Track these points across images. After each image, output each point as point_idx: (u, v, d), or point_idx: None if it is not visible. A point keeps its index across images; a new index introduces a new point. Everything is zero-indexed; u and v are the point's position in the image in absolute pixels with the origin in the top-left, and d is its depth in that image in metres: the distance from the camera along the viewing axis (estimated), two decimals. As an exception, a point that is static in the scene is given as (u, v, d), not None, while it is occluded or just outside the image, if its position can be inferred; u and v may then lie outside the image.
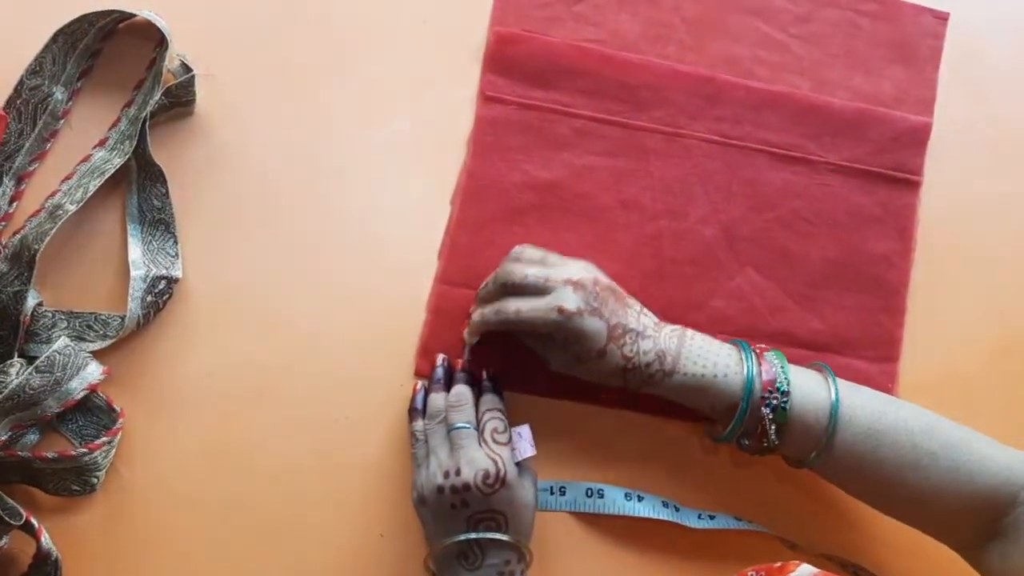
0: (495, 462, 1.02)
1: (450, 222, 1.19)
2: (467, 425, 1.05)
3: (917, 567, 1.15)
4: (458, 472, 1.01)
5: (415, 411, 1.11)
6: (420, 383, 1.13)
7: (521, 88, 1.21)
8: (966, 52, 1.29)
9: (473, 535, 1.01)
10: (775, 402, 1.03)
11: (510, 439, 1.06)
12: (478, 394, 1.11)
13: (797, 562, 0.92)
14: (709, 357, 1.07)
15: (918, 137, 1.25)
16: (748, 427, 1.06)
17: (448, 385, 1.11)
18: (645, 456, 1.16)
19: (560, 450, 1.15)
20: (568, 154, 1.21)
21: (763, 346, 1.09)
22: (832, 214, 1.22)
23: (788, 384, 1.04)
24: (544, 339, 1.09)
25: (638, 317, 1.08)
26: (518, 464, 1.05)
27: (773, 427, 1.03)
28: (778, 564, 0.94)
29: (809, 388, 1.05)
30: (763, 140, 1.23)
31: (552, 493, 1.14)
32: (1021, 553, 1.00)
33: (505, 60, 1.21)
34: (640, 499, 1.13)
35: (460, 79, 1.22)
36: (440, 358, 1.13)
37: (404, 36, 1.22)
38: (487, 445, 1.04)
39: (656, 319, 1.10)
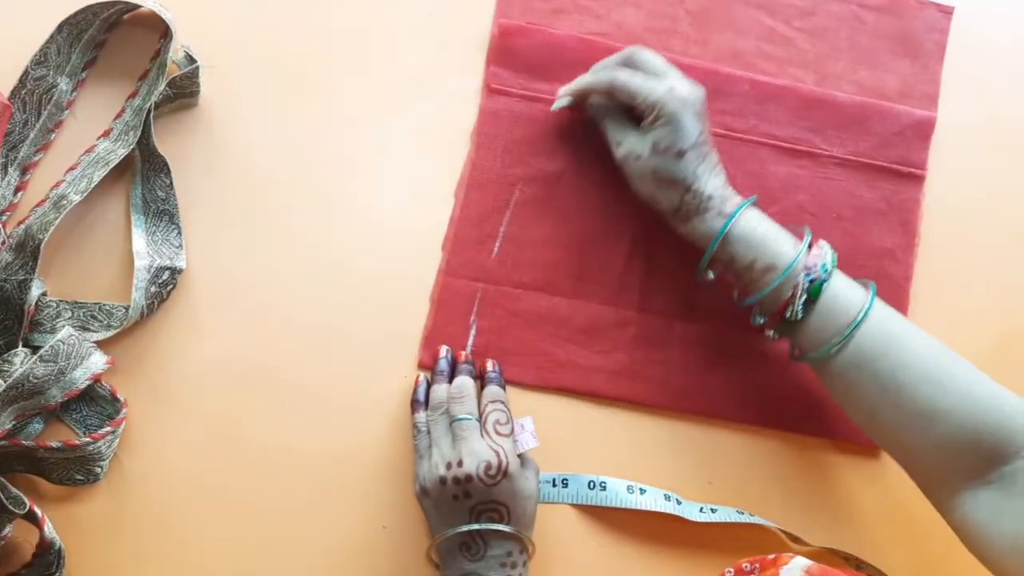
0: (497, 453, 1.02)
1: (454, 214, 1.19)
2: (469, 416, 1.05)
3: (919, 562, 1.15)
4: (460, 463, 1.01)
5: (417, 403, 1.11)
6: (422, 375, 1.13)
7: (525, 80, 1.21)
8: (970, 46, 1.28)
9: (475, 526, 1.01)
10: (815, 275, 1.04)
11: (512, 430, 1.06)
12: (481, 386, 1.11)
13: (791, 554, 0.92)
14: (765, 222, 1.09)
15: (922, 131, 1.25)
16: (773, 298, 1.07)
17: (451, 377, 1.11)
18: (647, 449, 1.16)
19: (562, 443, 1.15)
20: (571, 147, 1.21)
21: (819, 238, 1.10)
22: (836, 208, 1.22)
23: (832, 268, 1.06)
24: (629, 121, 1.12)
25: (718, 161, 1.11)
26: (520, 456, 1.05)
27: (804, 298, 1.04)
28: (772, 556, 0.94)
29: (849, 283, 1.07)
30: (767, 133, 1.23)
31: (554, 485, 1.14)
32: (1016, 511, 0.97)
33: (509, 52, 1.21)
34: (642, 492, 1.13)
35: (464, 71, 1.22)
36: (443, 350, 1.14)
37: (408, 29, 1.22)
38: (489, 436, 1.04)
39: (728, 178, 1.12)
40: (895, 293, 1.21)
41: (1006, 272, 1.25)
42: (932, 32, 1.28)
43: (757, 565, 0.94)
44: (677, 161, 1.07)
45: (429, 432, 1.08)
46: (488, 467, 1.01)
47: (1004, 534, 0.96)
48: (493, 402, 1.08)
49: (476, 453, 1.02)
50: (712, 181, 1.08)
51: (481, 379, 1.13)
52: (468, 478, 1.01)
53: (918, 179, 1.24)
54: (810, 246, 1.07)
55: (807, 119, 1.23)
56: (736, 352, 1.19)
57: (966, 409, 0.99)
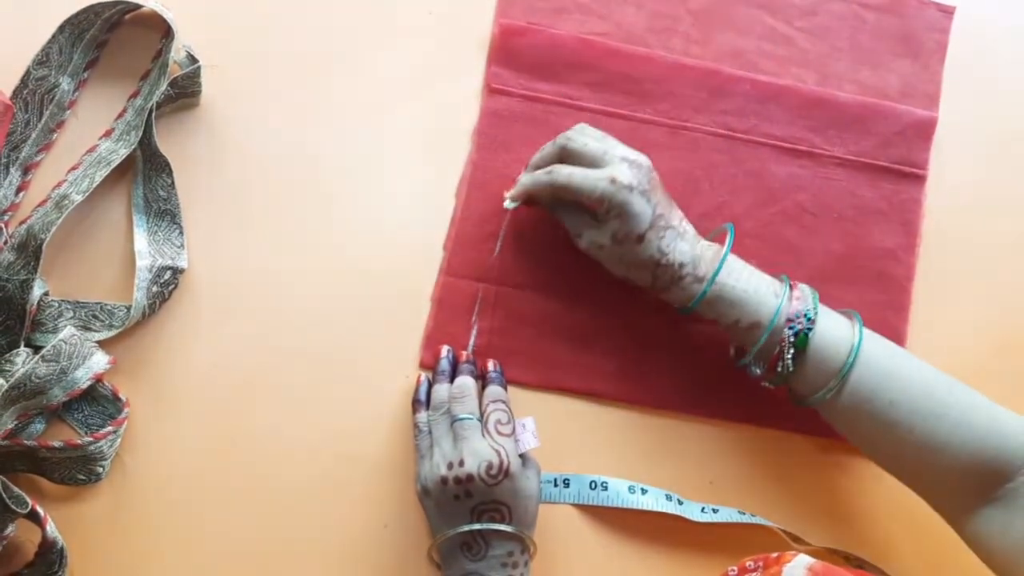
0: (498, 453, 1.02)
1: (455, 214, 1.19)
2: (470, 416, 1.05)
3: (921, 563, 1.15)
4: (461, 463, 1.01)
5: (418, 402, 1.11)
6: (423, 375, 1.13)
7: (526, 80, 1.21)
8: (972, 46, 1.28)
9: (476, 526, 1.01)
10: (799, 327, 1.05)
11: (514, 430, 1.06)
12: (483, 386, 1.11)
13: (794, 552, 0.92)
14: (743, 274, 1.09)
15: (923, 131, 1.25)
16: (765, 350, 1.07)
17: (452, 377, 1.11)
18: (648, 449, 1.16)
19: (563, 443, 1.15)
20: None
21: (797, 282, 1.10)
22: (837, 208, 1.22)
23: (815, 314, 1.05)
24: (583, 215, 1.11)
25: (680, 221, 1.10)
26: (522, 456, 1.05)
27: (791, 352, 1.05)
28: (775, 554, 0.94)
29: (834, 323, 1.06)
30: (768, 133, 1.23)
31: (556, 485, 1.14)
32: (1023, 524, 0.98)
33: (510, 52, 1.22)
34: (644, 492, 1.13)
35: (465, 71, 1.22)
36: (444, 349, 1.14)
37: (409, 28, 1.23)
38: (490, 436, 1.04)
39: (695, 231, 1.12)
40: (896, 294, 1.22)
41: (1007, 272, 1.25)
42: (933, 32, 1.28)
43: (760, 563, 0.94)
44: (639, 245, 1.08)
45: (430, 432, 1.08)
46: (489, 467, 1.01)
47: (1013, 547, 0.98)
48: (494, 402, 1.08)
49: (477, 453, 1.02)
50: (680, 248, 1.08)
51: (482, 379, 1.13)
52: (469, 478, 1.01)
53: (919, 179, 1.24)
54: (791, 287, 1.08)
55: (808, 119, 1.23)
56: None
57: (964, 438, 1.01)
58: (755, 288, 1.07)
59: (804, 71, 1.26)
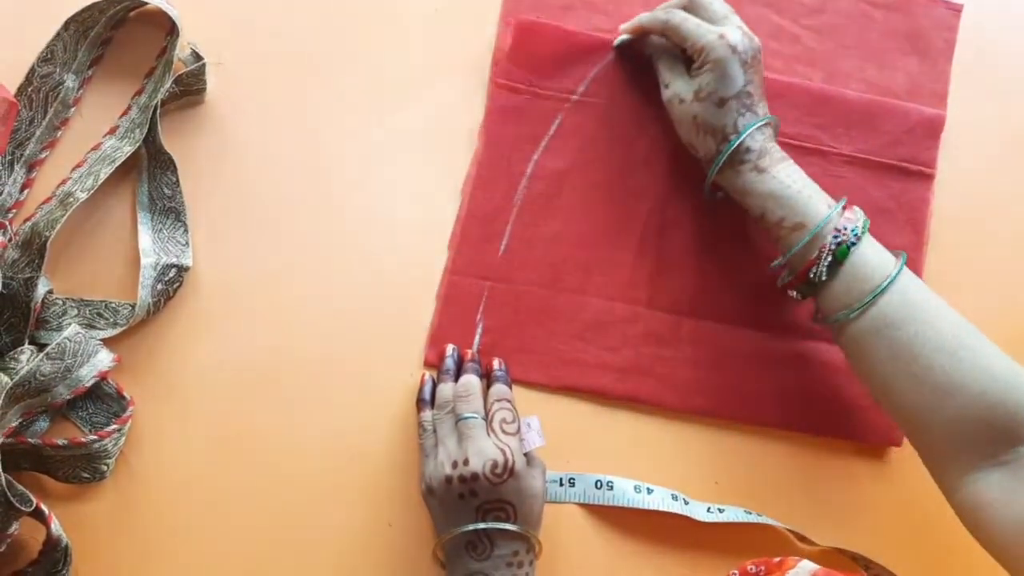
0: (503, 452, 1.01)
1: (460, 212, 1.18)
2: (475, 415, 1.05)
3: (927, 562, 1.15)
4: (466, 462, 1.01)
5: (423, 401, 1.11)
6: (427, 373, 1.13)
7: (533, 77, 1.21)
8: (980, 44, 1.28)
9: (481, 525, 1.01)
10: (843, 238, 1.03)
11: (519, 429, 1.05)
12: (488, 385, 1.11)
13: (796, 558, 0.92)
14: (802, 180, 1.09)
15: (931, 129, 1.24)
16: (801, 257, 1.06)
17: (457, 375, 1.11)
18: (655, 448, 1.16)
19: (570, 441, 1.15)
20: (578, 143, 1.21)
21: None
22: (844, 206, 1.22)
23: (864, 232, 1.05)
24: (679, 63, 1.14)
25: (765, 113, 1.10)
26: (527, 455, 1.05)
27: (829, 259, 1.03)
28: (777, 559, 0.94)
29: (878, 250, 1.05)
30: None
31: (561, 485, 1.14)
32: None
33: (516, 49, 1.21)
34: (650, 491, 1.13)
35: (471, 68, 1.22)
36: (449, 348, 1.14)
37: (415, 25, 1.22)
38: (495, 435, 1.03)
39: (774, 133, 1.12)
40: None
41: (1016, 271, 1.25)
42: (941, 30, 1.27)
43: (763, 568, 0.94)
44: (717, 109, 1.08)
45: (435, 431, 1.07)
46: (495, 466, 1.00)
47: (1013, 516, 0.95)
48: (499, 400, 1.07)
49: (482, 452, 1.01)
50: (754, 135, 1.08)
51: (487, 378, 1.12)
52: (474, 477, 1.00)
53: (927, 177, 1.23)
54: (844, 210, 1.06)
55: (815, 117, 1.23)
56: (745, 351, 1.18)
57: (984, 384, 0.97)
58: (809, 194, 1.07)
59: (811, 69, 1.25)
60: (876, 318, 1.02)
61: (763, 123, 1.09)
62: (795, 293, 1.09)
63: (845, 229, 1.03)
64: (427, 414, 1.10)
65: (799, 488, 1.17)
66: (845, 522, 1.16)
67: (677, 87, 1.12)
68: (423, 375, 1.13)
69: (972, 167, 1.26)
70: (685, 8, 1.13)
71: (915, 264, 1.21)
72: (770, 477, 1.17)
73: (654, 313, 1.18)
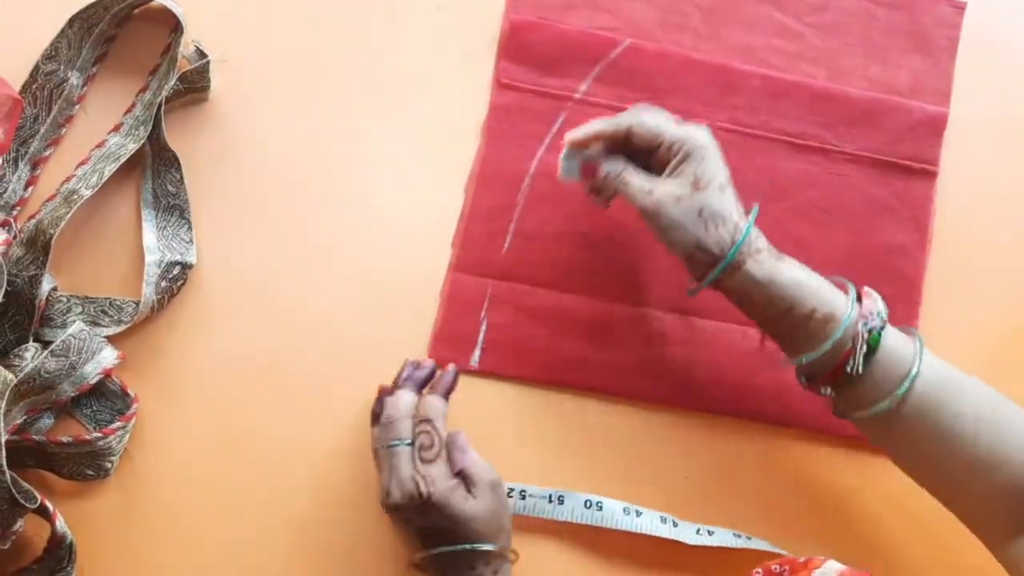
0: (417, 484, 0.99)
1: (464, 210, 1.19)
2: (398, 442, 1.02)
3: (927, 561, 1.15)
4: (388, 494, 1.00)
5: (374, 415, 1.07)
6: (381, 385, 1.09)
7: (536, 75, 1.21)
8: (983, 42, 1.28)
9: (425, 553, 1.01)
10: (872, 324, 0.98)
11: (439, 454, 1.02)
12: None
13: (823, 557, 0.91)
14: (806, 270, 1.03)
15: (935, 127, 1.24)
16: (834, 352, 0.99)
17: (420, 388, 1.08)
18: (658, 446, 1.16)
19: (572, 441, 1.16)
20: (583, 143, 1.20)
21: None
22: (848, 204, 1.22)
23: (886, 315, 0.99)
24: (643, 169, 1.05)
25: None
26: (465, 473, 1.01)
27: (864, 349, 0.97)
28: (803, 559, 0.93)
29: (894, 329, 1.00)
30: (779, 129, 1.22)
31: (550, 502, 1.13)
32: None
33: (520, 47, 1.21)
34: (639, 514, 1.12)
35: (475, 66, 1.22)
36: (405, 361, 1.10)
37: (419, 23, 1.22)
38: (415, 464, 1.00)
39: None
40: (907, 290, 1.21)
41: (1019, 268, 1.25)
42: (944, 27, 1.27)
43: (787, 567, 0.94)
44: (722, 195, 1.01)
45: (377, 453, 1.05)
46: (413, 498, 0.99)
47: None
48: (421, 422, 1.03)
49: (401, 483, 0.99)
50: (752, 223, 1.02)
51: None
52: (398, 507, 0.99)
53: (930, 175, 1.24)
54: (858, 292, 1.02)
55: (818, 115, 1.23)
56: (747, 349, 1.18)
57: None
58: (822, 279, 1.02)
59: (814, 67, 1.25)
60: (915, 403, 0.98)
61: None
62: (828, 390, 1.02)
63: (872, 314, 0.98)
64: (374, 431, 1.06)
65: (804, 486, 1.17)
66: (838, 542, 1.16)
67: (666, 187, 1.02)
68: (379, 388, 1.08)
69: (975, 165, 1.26)
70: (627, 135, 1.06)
71: (918, 262, 1.22)
72: (774, 474, 1.17)
73: (657, 312, 1.18)
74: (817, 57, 1.25)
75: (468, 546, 0.99)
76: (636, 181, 1.04)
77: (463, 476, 1.01)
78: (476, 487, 1.01)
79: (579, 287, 1.18)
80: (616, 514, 1.13)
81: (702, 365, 1.17)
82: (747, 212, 1.04)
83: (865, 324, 0.97)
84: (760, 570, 0.96)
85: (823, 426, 1.17)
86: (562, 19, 1.23)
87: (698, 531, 1.13)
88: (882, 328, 0.98)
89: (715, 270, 1.01)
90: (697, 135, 1.01)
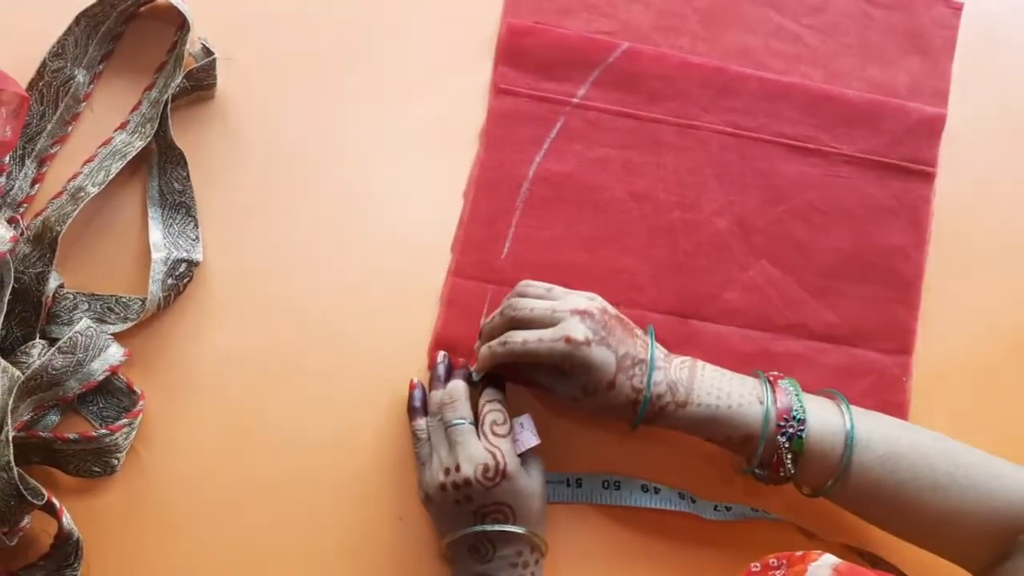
0: (493, 455, 1.02)
1: (463, 215, 1.19)
2: (463, 420, 1.05)
3: (933, 560, 1.15)
4: (458, 468, 1.02)
5: (414, 409, 1.11)
6: (415, 379, 1.13)
7: (533, 80, 1.22)
8: (980, 43, 1.29)
9: (481, 528, 1.02)
10: (791, 431, 1.03)
11: (511, 430, 1.06)
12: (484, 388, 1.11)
13: (819, 551, 0.92)
14: (723, 387, 1.06)
15: (932, 128, 1.25)
16: (764, 458, 1.05)
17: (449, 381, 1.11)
18: (662, 447, 1.16)
19: (575, 442, 1.15)
20: (580, 146, 1.21)
21: (776, 373, 1.09)
22: (846, 206, 1.23)
23: (804, 412, 1.04)
24: (552, 371, 1.07)
25: (647, 348, 1.07)
26: (522, 454, 1.05)
27: (789, 456, 1.03)
28: (799, 552, 0.93)
29: (824, 416, 1.05)
30: (777, 131, 1.23)
31: (568, 485, 1.14)
32: None
33: (517, 52, 1.22)
34: (657, 491, 1.13)
35: (473, 71, 1.23)
36: (440, 355, 1.13)
37: (418, 27, 1.23)
38: (486, 438, 1.04)
39: (665, 351, 1.08)
40: (906, 291, 1.21)
41: (1017, 269, 1.25)
42: (942, 28, 1.28)
43: (784, 561, 0.94)
44: (611, 391, 1.04)
45: (429, 438, 1.08)
46: (486, 469, 1.01)
47: None
48: (490, 402, 1.08)
49: (472, 457, 1.02)
50: (654, 379, 1.05)
51: (482, 382, 1.12)
52: (467, 482, 1.01)
53: (928, 176, 1.24)
54: (772, 386, 1.07)
55: (816, 116, 1.24)
56: (749, 351, 1.19)
57: (973, 502, 1.02)
58: (738, 399, 1.05)
59: (812, 69, 1.26)
60: (855, 483, 1.04)
61: (646, 363, 1.06)
62: (775, 484, 1.09)
63: (788, 419, 1.03)
64: (420, 422, 1.10)
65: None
66: (852, 518, 1.16)
67: (563, 390, 1.07)
68: (411, 382, 1.12)
69: (973, 166, 1.27)
70: (513, 324, 1.08)
71: (917, 263, 1.22)
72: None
73: (658, 315, 1.18)
74: (815, 59, 1.26)
75: (521, 529, 1.03)
76: (541, 380, 1.09)
77: (523, 456, 1.05)
78: (530, 466, 1.06)
79: (578, 291, 1.17)
80: (635, 492, 1.14)
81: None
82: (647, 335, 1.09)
83: (783, 433, 1.03)
84: (758, 564, 0.96)
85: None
86: (559, 23, 1.23)
87: (716, 507, 1.14)
88: (802, 430, 1.03)
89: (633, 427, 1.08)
90: (573, 354, 1.03)
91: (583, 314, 1.04)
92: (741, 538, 1.14)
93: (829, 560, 0.89)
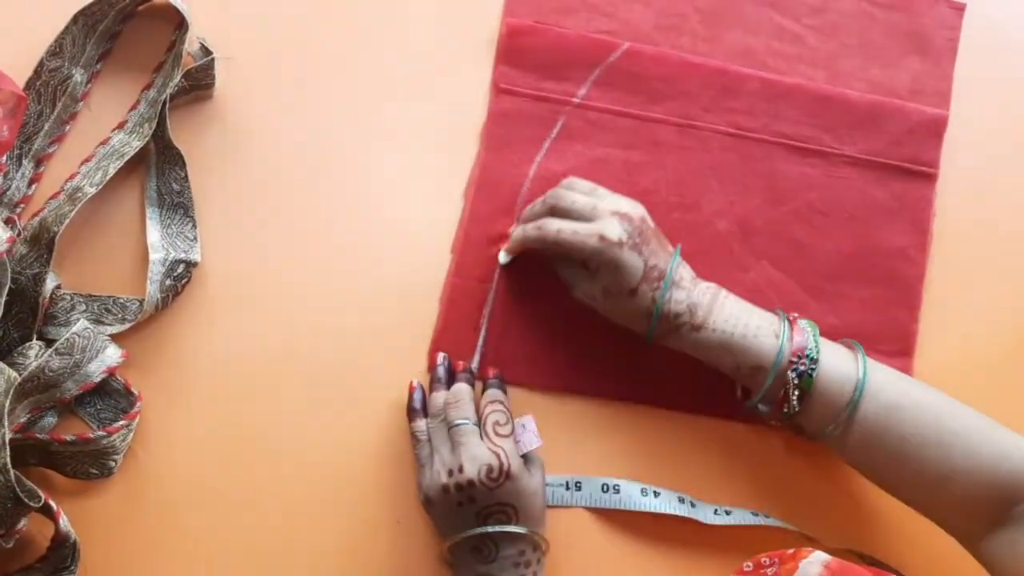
0: (497, 455, 1.02)
1: (463, 215, 1.18)
2: (466, 421, 1.05)
3: (937, 565, 1.15)
4: (461, 469, 1.01)
5: (414, 411, 1.11)
6: (415, 381, 1.12)
7: (534, 80, 1.21)
8: (982, 43, 1.29)
9: (483, 529, 1.02)
10: (802, 368, 1.03)
11: (513, 431, 1.06)
12: (484, 390, 1.11)
13: (810, 549, 0.92)
14: (741, 317, 1.07)
15: (934, 130, 1.24)
16: (770, 393, 1.06)
17: (450, 384, 1.11)
18: (661, 450, 1.16)
19: (575, 445, 1.15)
20: (581, 146, 1.21)
21: (796, 315, 1.10)
22: (848, 207, 1.22)
23: (817, 352, 1.04)
24: (576, 266, 1.10)
25: (677, 267, 1.08)
26: (524, 455, 1.05)
27: (796, 393, 1.04)
28: (791, 550, 0.93)
29: (838, 359, 1.05)
30: (778, 132, 1.23)
31: (568, 488, 1.13)
32: None
33: (518, 52, 1.21)
34: (656, 495, 1.13)
35: (473, 70, 1.22)
36: (440, 357, 1.13)
37: (418, 27, 1.23)
38: (489, 439, 1.04)
39: (693, 274, 1.10)
40: (907, 293, 1.21)
41: (1018, 270, 1.25)
42: (944, 29, 1.28)
43: (776, 559, 0.94)
44: (632, 298, 1.07)
45: (430, 440, 1.07)
46: (489, 470, 1.01)
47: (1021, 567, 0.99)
48: (492, 403, 1.07)
49: (476, 458, 1.02)
50: (675, 297, 1.08)
51: (483, 385, 1.13)
52: (470, 483, 1.01)
53: (930, 178, 1.24)
54: (790, 324, 1.08)
55: (818, 117, 1.23)
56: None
57: (975, 465, 1.01)
58: (754, 331, 1.07)
59: (813, 69, 1.25)
60: (858, 430, 1.04)
61: (672, 279, 1.08)
62: (776, 423, 1.10)
63: (800, 357, 1.04)
64: (420, 423, 1.09)
65: (808, 488, 1.17)
66: (855, 524, 1.16)
67: (584, 288, 1.11)
68: (411, 383, 1.12)
69: (975, 167, 1.26)
70: (553, 212, 1.12)
71: (919, 264, 1.22)
72: (778, 477, 1.17)
73: (658, 315, 1.18)
74: (816, 59, 1.26)
75: (524, 529, 1.03)
76: (563, 273, 1.15)
77: (525, 456, 1.06)
78: (532, 466, 1.06)
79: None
80: (634, 496, 1.13)
81: (703, 369, 1.16)
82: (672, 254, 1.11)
83: (795, 369, 1.04)
84: (751, 563, 0.96)
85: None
86: (560, 23, 1.23)
87: (716, 511, 1.13)
88: (814, 369, 1.04)
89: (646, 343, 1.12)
90: (603, 251, 1.06)
91: (623, 216, 1.07)
92: (741, 542, 1.13)
93: (820, 557, 0.89)
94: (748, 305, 1.09)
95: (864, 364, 1.05)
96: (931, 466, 1.02)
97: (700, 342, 1.08)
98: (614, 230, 1.05)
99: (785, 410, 1.05)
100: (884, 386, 1.04)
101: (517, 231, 1.14)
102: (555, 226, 1.08)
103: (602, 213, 1.07)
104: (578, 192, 1.11)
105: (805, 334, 1.06)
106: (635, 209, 1.08)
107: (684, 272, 1.09)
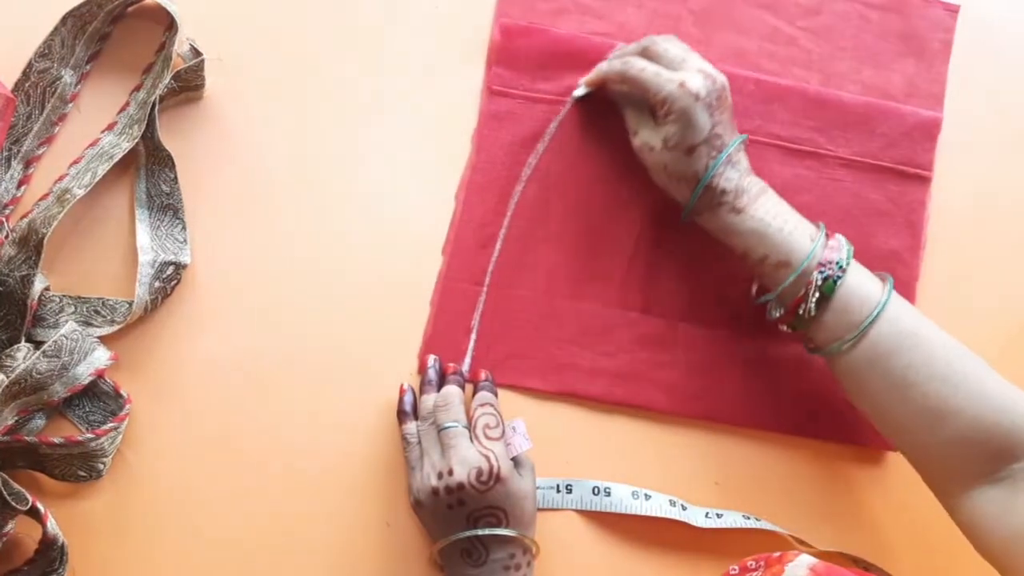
0: (487, 458, 1.02)
1: (454, 217, 1.18)
2: (455, 424, 1.05)
3: (926, 565, 1.15)
4: (451, 472, 1.01)
5: (404, 413, 1.11)
6: (405, 384, 1.13)
7: (526, 81, 1.21)
8: (977, 45, 1.28)
9: (474, 532, 1.02)
10: (828, 272, 1.03)
11: (503, 433, 1.06)
12: (474, 393, 1.11)
13: (796, 552, 0.92)
14: (782, 214, 1.08)
15: (928, 132, 1.24)
16: (788, 291, 1.06)
17: (440, 386, 1.11)
18: (652, 453, 1.16)
19: (566, 447, 1.15)
20: (573, 148, 1.20)
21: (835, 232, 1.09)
22: (842, 209, 1.22)
23: (847, 264, 1.04)
24: (644, 111, 1.11)
25: (738, 149, 1.09)
26: (514, 457, 1.05)
27: (816, 296, 1.03)
28: (777, 554, 0.93)
29: (865, 278, 1.05)
30: (772, 134, 1.22)
31: (558, 491, 1.13)
32: None
33: (510, 53, 1.21)
34: (647, 497, 1.13)
35: (465, 72, 1.22)
36: (431, 359, 1.14)
37: (409, 28, 1.22)
38: (479, 442, 1.04)
39: (749, 166, 1.11)
40: (902, 295, 1.20)
41: (1013, 273, 1.25)
42: (938, 31, 1.27)
43: (762, 562, 0.94)
44: (687, 157, 1.07)
45: (420, 443, 1.07)
46: (479, 473, 1.01)
47: (1011, 530, 0.96)
48: (482, 406, 1.08)
49: (466, 460, 1.02)
50: (727, 174, 1.07)
51: (474, 387, 1.13)
52: (460, 486, 1.01)
53: (924, 180, 1.23)
54: (827, 238, 1.06)
55: (812, 119, 1.23)
56: (742, 355, 1.19)
57: (977, 408, 0.99)
58: (791, 229, 1.06)
59: (807, 71, 1.25)
60: (868, 349, 1.03)
61: (730, 157, 1.08)
62: (786, 327, 1.09)
63: (830, 263, 1.04)
64: (410, 426, 1.10)
65: (797, 492, 1.17)
66: (843, 526, 1.16)
67: (645, 136, 1.11)
68: (401, 386, 1.13)
69: (969, 169, 1.26)
70: (643, 53, 1.12)
71: (912, 267, 1.22)
72: (768, 481, 1.17)
73: (649, 318, 1.18)
74: (810, 61, 1.25)
75: (514, 532, 1.03)
76: (628, 117, 1.15)
77: (515, 459, 1.06)
78: (522, 468, 1.07)
79: (571, 294, 1.18)
80: (625, 499, 1.13)
81: (695, 372, 1.17)
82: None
83: (821, 272, 1.04)
84: (736, 567, 0.96)
85: (818, 433, 1.18)
86: (552, 24, 1.22)
87: (707, 514, 1.13)
88: (840, 276, 1.04)
89: (683, 215, 1.12)
90: (680, 98, 1.06)
91: (708, 76, 1.07)
92: (732, 545, 1.13)
93: (806, 560, 0.89)
94: (791, 208, 1.09)
95: (891, 289, 1.04)
96: (932, 401, 1.01)
97: (735, 225, 1.08)
98: (696, 82, 1.05)
99: (800, 312, 1.05)
100: (904, 315, 1.04)
101: (603, 64, 1.16)
102: (640, 64, 1.09)
103: (689, 66, 1.07)
104: (674, 43, 1.11)
105: (840, 249, 1.05)
106: (721, 77, 1.08)
107: (742, 158, 1.10)
